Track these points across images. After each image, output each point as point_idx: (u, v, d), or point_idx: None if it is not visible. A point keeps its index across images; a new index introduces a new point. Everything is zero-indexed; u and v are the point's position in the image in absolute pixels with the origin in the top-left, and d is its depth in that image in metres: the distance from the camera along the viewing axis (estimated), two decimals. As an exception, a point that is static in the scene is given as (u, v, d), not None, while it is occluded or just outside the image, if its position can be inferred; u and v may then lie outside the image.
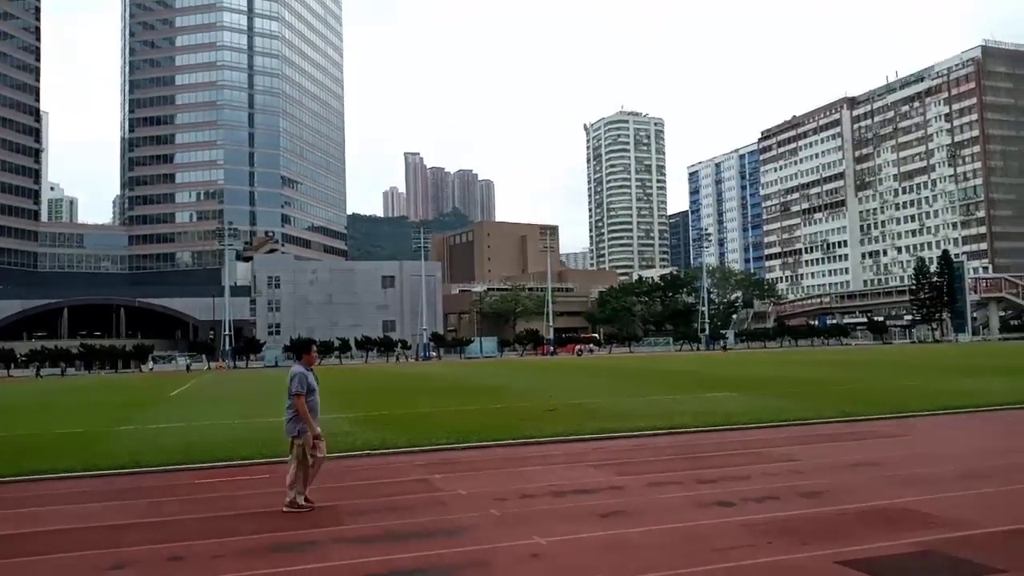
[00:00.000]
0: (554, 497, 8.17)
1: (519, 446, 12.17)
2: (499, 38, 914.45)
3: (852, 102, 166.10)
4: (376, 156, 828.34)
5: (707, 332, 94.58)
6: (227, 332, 78.53)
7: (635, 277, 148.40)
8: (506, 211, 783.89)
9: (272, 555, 6.25)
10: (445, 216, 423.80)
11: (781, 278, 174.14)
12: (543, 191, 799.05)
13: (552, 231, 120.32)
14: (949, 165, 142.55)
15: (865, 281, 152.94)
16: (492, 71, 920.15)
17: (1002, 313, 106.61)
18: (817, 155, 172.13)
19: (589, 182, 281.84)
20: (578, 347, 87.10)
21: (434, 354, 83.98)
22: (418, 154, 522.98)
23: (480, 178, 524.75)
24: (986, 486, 8.10)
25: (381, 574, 5.62)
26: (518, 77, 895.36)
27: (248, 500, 8.53)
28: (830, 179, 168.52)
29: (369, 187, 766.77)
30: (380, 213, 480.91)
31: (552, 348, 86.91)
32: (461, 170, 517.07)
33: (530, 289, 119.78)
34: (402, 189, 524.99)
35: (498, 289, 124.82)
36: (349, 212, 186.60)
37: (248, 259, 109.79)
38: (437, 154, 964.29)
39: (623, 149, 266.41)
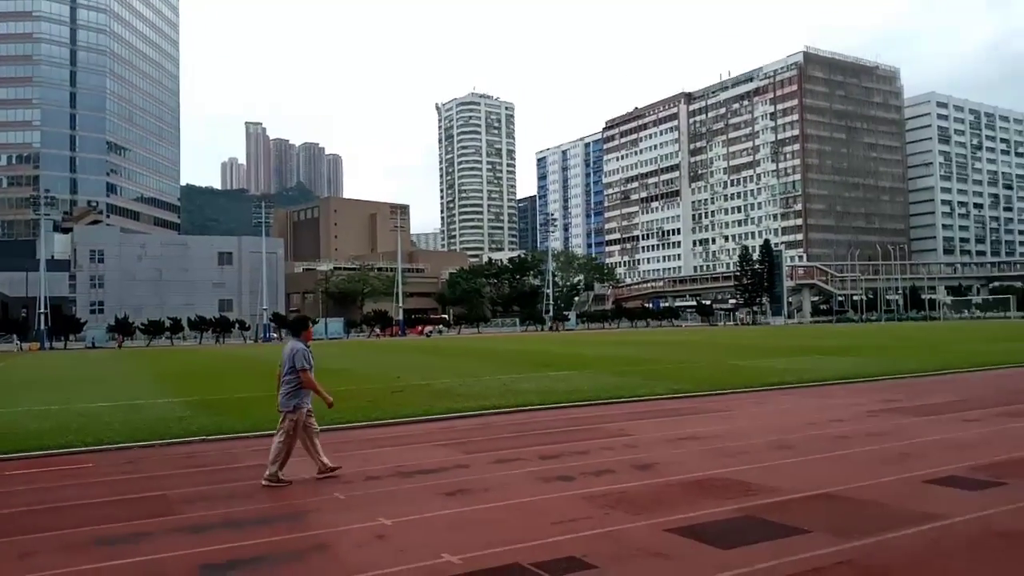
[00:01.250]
0: (400, 478, 8.19)
1: (365, 428, 12.07)
2: (353, 12, 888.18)
3: (689, 97, 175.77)
4: (215, 125, 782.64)
5: (551, 314, 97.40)
6: (42, 310, 71.72)
7: (485, 259, 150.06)
8: (355, 188, 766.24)
9: (96, 549, 5.85)
10: (289, 191, 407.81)
11: (620, 263, 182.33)
12: (394, 170, 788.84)
13: (403, 210, 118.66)
14: (772, 161, 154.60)
15: (695, 267, 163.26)
16: (344, 46, 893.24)
17: (814, 298, 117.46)
18: (656, 146, 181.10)
19: (441, 162, 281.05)
20: (427, 328, 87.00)
21: (275, 335, 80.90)
22: (260, 124, 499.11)
23: (327, 152, 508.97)
24: (794, 456, 8.95)
25: (219, 564, 5.40)
26: (370, 53, 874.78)
27: (69, 491, 7.92)
28: (667, 170, 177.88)
29: (206, 158, 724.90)
30: (217, 185, 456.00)
31: (401, 329, 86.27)
32: (307, 143, 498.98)
33: (379, 269, 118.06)
34: (242, 160, 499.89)
35: (345, 268, 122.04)
36: (183, 183, 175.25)
37: (68, 231, 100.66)
38: (282, 126, 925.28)
39: (475, 131, 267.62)
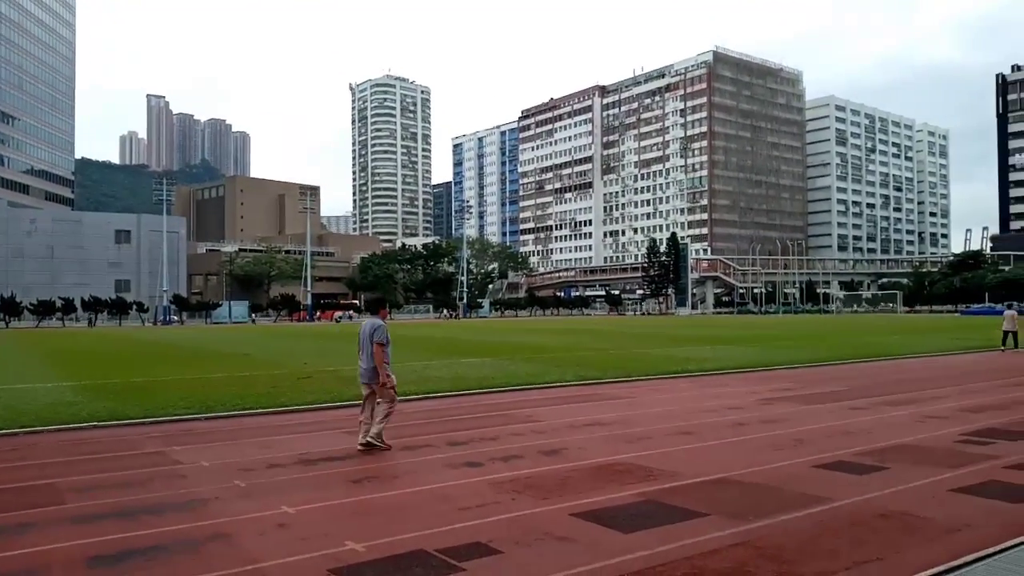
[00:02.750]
0: (304, 465, 8.03)
1: (269, 415, 11.77)
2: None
3: (603, 90, 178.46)
4: (116, 99, 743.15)
5: (465, 301, 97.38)
6: (-85, 287, 66.64)
7: (398, 244, 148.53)
8: (263, 168, 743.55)
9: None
10: (193, 168, 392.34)
11: (534, 252, 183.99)
12: (304, 150, 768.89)
13: (313, 191, 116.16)
14: (681, 157, 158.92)
15: (606, 258, 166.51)
16: (256, 22, 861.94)
17: (717, 290, 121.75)
18: (570, 137, 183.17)
19: (354, 144, 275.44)
20: (337, 314, 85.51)
21: (176, 318, 77.82)
22: (163, 98, 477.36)
23: (235, 130, 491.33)
24: (693, 442, 9.27)
25: (110, 555, 5.16)
26: (283, 31, 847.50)
27: (-59, 482, 7.39)
28: (581, 161, 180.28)
29: (105, 132, 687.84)
30: (116, 160, 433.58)
31: (310, 314, 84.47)
32: (213, 119, 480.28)
33: (287, 251, 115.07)
34: (143, 135, 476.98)
35: (252, 250, 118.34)
36: (78, 156, 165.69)
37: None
38: (187, 102, 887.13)
39: (389, 114, 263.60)
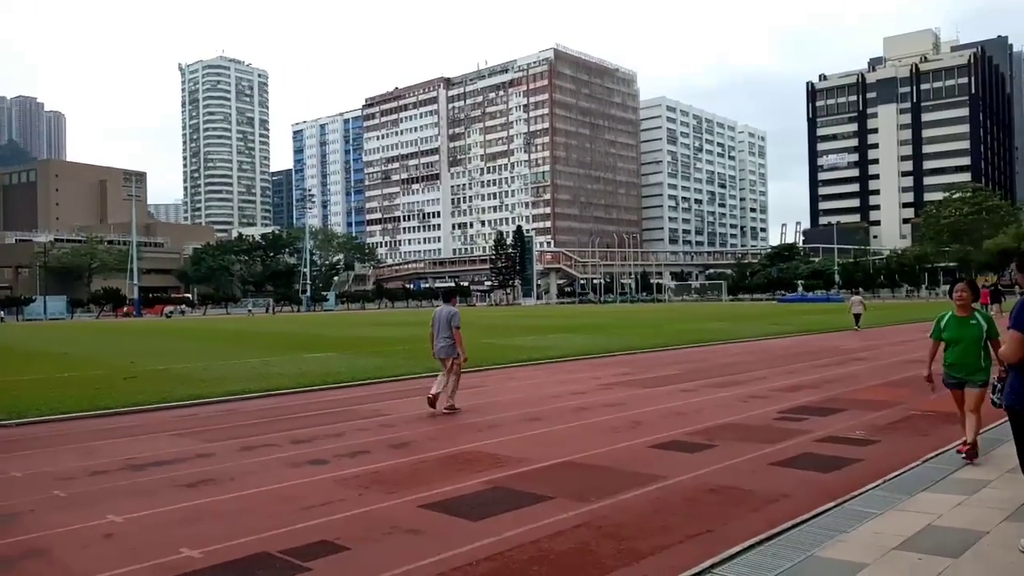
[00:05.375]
0: (132, 471, 7.48)
1: (91, 419, 10.86)
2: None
3: (448, 83, 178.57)
4: None
5: (308, 293, 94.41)
6: None
7: (235, 234, 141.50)
8: (81, 151, 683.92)
9: None
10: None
11: (382, 243, 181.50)
12: (127, 133, 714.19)
13: (139, 178, 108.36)
14: (525, 151, 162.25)
15: (454, 250, 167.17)
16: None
17: (560, 281, 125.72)
18: (416, 128, 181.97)
19: (184, 128, 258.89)
20: (168, 308, 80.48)
21: (-21, 314, 70.15)
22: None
23: (47, 109, 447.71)
24: (540, 427, 9.52)
25: None
26: (102, 4, 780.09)
27: None
28: (427, 153, 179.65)
29: None
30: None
31: (137, 309, 78.84)
32: (22, 96, 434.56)
33: (110, 242, 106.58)
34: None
35: (69, 240, 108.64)
36: None
37: None
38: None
39: (223, 97, 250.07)
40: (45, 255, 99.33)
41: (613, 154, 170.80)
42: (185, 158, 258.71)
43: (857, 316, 28.36)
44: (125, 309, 79.77)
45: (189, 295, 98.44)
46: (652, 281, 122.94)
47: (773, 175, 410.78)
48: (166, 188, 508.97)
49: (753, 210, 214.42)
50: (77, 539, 5.35)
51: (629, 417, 10.13)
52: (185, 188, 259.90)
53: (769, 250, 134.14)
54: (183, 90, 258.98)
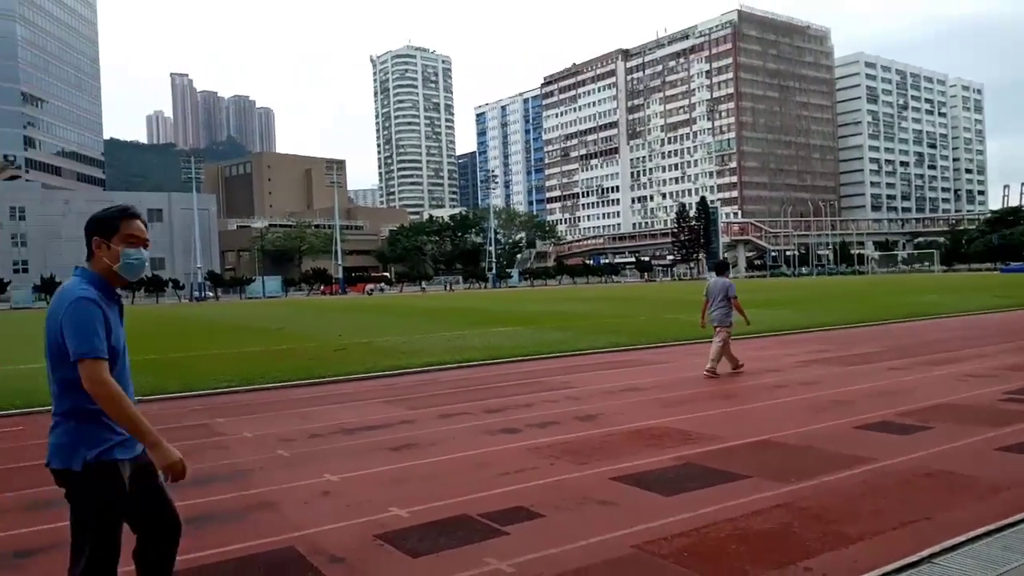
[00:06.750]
0: (344, 435, 8.12)
1: (307, 386, 11.90)
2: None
3: (626, 54, 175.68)
4: (141, 80, 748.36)
5: (494, 271, 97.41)
6: (-42, 270, 68.37)
7: (426, 216, 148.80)
8: (288, 143, 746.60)
9: (29, 513, 5.64)
10: (219, 145, 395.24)
11: (561, 220, 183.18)
12: (328, 124, 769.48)
13: (339, 165, 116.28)
14: (708, 119, 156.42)
15: (634, 224, 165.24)
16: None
17: (748, 254, 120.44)
18: (594, 103, 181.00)
19: (377, 117, 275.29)
20: (368, 286, 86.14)
21: (211, 294, 79.06)
22: (187, 75, 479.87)
23: (259, 106, 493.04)
24: (731, 405, 9.20)
25: (159, 524, 5.26)
26: (302, 5, 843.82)
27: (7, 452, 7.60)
28: (605, 127, 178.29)
29: (131, 112, 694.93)
30: (144, 139, 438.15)
31: (342, 287, 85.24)
32: (237, 96, 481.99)
33: (316, 226, 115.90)
34: (169, 113, 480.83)
35: (281, 225, 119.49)
36: (107, 137, 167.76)
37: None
38: (210, 79, 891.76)
39: (411, 85, 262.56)
40: (262, 240, 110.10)
41: (806, 116, 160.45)
42: (379, 145, 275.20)
43: None
44: (332, 287, 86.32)
45: (387, 274, 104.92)
46: (852, 252, 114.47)
47: (992, 131, 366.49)
48: (364, 174, 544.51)
49: (969, 171, 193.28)
50: (299, 495, 5.89)
51: (830, 396, 9.54)
52: (380, 174, 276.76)
53: (989, 215, 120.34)
54: (375, 80, 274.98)
